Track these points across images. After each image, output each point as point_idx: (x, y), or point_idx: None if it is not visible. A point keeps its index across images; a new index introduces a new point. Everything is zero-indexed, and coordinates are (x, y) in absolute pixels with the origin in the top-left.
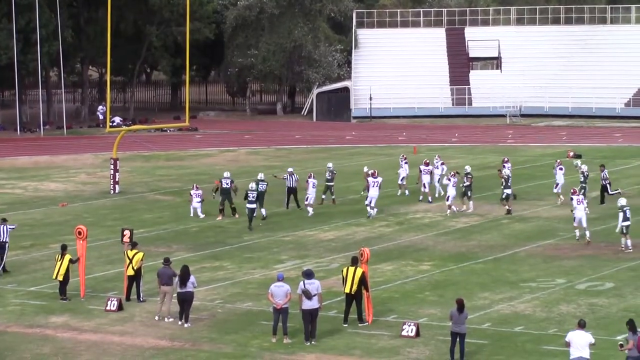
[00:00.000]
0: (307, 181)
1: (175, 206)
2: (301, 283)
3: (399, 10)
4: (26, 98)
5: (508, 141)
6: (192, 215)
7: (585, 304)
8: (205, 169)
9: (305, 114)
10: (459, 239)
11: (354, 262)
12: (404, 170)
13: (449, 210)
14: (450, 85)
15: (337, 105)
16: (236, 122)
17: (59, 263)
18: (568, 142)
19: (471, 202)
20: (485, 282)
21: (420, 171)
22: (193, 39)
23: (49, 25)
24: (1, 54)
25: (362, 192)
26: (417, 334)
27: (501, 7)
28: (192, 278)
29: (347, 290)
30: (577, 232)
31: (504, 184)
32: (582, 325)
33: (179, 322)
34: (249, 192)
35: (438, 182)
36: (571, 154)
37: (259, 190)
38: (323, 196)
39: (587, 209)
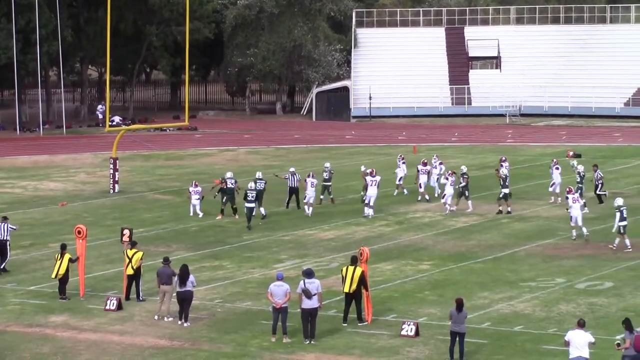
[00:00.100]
0: (306, 180)
1: (174, 205)
2: (301, 282)
3: (398, 9)
4: (26, 98)
5: (508, 141)
6: (191, 214)
7: (584, 303)
8: (205, 168)
9: (304, 113)
10: (459, 239)
11: (354, 261)
12: (401, 171)
13: (448, 209)
14: (450, 84)
15: (337, 104)
16: (236, 122)
17: (58, 262)
18: (568, 142)
19: (470, 202)
20: (484, 281)
21: (418, 171)
22: (193, 39)
23: (48, 25)
24: (1, 54)
25: (362, 192)
26: (417, 333)
27: (501, 7)
28: (191, 277)
29: (346, 289)
30: (574, 232)
31: (502, 183)
32: (581, 324)
33: (179, 322)
34: (248, 191)
35: (437, 181)
36: (571, 153)
37: (258, 189)
38: (321, 196)
39: (585, 208)
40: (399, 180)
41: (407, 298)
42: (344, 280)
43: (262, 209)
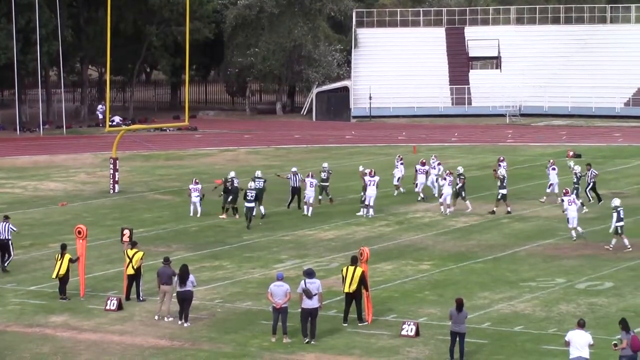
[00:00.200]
0: (305, 180)
1: (174, 206)
2: (302, 282)
3: (398, 9)
4: (26, 98)
5: (508, 141)
6: (191, 214)
7: (584, 303)
8: (205, 168)
9: (304, 113)
10: (459, 239)
11: (354, 261)
12: (399, 171)
13: (448, 209)
14: (450, 84)
15: (337, 104)
16: (236, 122)
17: (58, 262)
18: (568, 142)
19: (468, 202)
20: (485, 281)
21: (417, 171)
22: (193, 39)
23: (48, 25)
24: (1, 54)
25: (362, 193)
26: (417, 333)
27: (501, 7)
28: (191, 277)
29: (346, 289)
30: (573, 233)
31: (499, 183)
32: (581, 324)
33: (179, 322)
34: (247, 191)
35: (436, 181)
36: (571, 153)
37: (257, 187)
38: (320, 197)
39: (584, 208)
40: (397, 181)
41: (407, 298)
42: (344, 280)
43: (261, 208)
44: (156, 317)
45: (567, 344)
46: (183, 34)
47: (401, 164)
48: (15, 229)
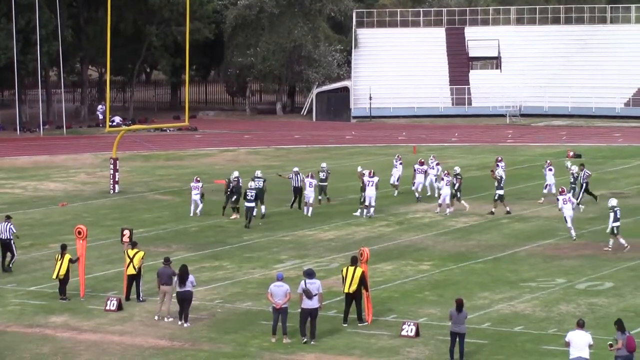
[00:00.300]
0: (304, 181)
1: (174, 206)
2: (302, 282)
3: (398, 10)
4: (26, 98)
5: (508, 141)
6: (191, 214)
7: (584, 303)
8: (205, 168)
9: (304, 113)
10: (459, 239)
11: (354, 261)
12: (397, 171)
13: (448, 209)
14: (450, 85)
15: (337, 105)
16: (236, 122)
17: (58, 263)
18: (568, 142)
19: (463, 202)
20: (485, 281)
21: (415, 170)
22: (193, 39)
23: (48, 25)
24: (1, 54)
25: (361, 194)
26: (417, 333)
27: (501, 7)
28: (191, 277)
29: (346, 290)
30: (573, 232)
31: (497, 184)
32: (581, 325)
33: (179, 322)
34: (247, 190)
35: (435, 181)
36: (571, 153)
37: (257, 187)
38: (319, 197)
39: (581, 207)
40: (397, 181)
41: (407, 298)
42: (344, 280)
43: (263, 208)
44: (156, 318)
45: (567, 344)
46: (183, 34)
47: (400, 163)
48: (14, 230)
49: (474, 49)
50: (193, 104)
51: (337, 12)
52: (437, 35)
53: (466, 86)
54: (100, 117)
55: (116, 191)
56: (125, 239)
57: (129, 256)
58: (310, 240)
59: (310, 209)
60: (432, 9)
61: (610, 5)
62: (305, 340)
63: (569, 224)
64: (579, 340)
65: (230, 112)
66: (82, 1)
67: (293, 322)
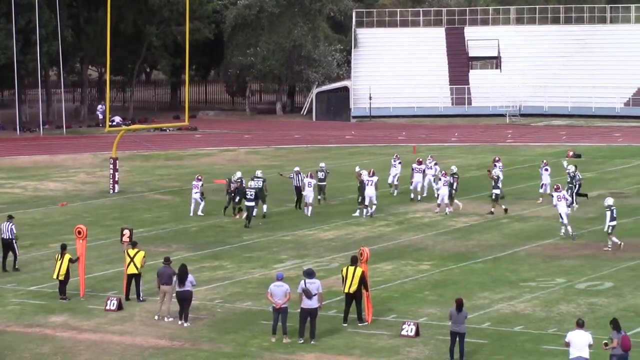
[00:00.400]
0: (303, 180)
1: (174, 206)
2: (302, 282)
3: (398, 9)
4: (26, 98)
5: (507, 141)
6: (191, 214)
7: (584, 303)
8: (205, 168)
9: (304, 113)
10: (459, 239)
11: (354, 261)
12: (395, 170)
13: (447, 209)
14: (450, 84)
15: (337, 104)
16: (236, 122)
17: (58, 262)
18: (568, 142)
19: (457, 200)
20: (484, 281)
21: (413, 169)
22: (193, 39)
23: (48, 25)
24: (1, 54)
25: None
26: (417, 333)
27: (501, 7)
28: (190, 277)
29: (346, 289)
30: (570, 230)
31: (493, 183)
32: (580, 324)
33: (179, 322)
34: (247, 190)
35: (434, 182)
36: (571, 153)
37: (256, 187)
38: (319, 197)
39: (575, 205)
40: (396, 180)
41: (407, 298)
42: (344, 280)
43: (264, 207)
44: (156, 317)
45: (567, 344)
46: (183, 34)
47: (399, 163)
48: (14, 231)
49: (474, 49)
50: (193, 104)
51: (337, 12)
52: (437, 35)
53: (466, 86)
54: (100, 116)
55: (116, 191)
56: (125, 238)
57: (129, 256)
58: (310, 240)
59: (310, 208)
60: (431, 9)
61: (610, 5)
62: (302, 341)
63: (565, 221)
64: (579, 340)
65: (230, 112)
66: (82, 1)
67: (293, 321)
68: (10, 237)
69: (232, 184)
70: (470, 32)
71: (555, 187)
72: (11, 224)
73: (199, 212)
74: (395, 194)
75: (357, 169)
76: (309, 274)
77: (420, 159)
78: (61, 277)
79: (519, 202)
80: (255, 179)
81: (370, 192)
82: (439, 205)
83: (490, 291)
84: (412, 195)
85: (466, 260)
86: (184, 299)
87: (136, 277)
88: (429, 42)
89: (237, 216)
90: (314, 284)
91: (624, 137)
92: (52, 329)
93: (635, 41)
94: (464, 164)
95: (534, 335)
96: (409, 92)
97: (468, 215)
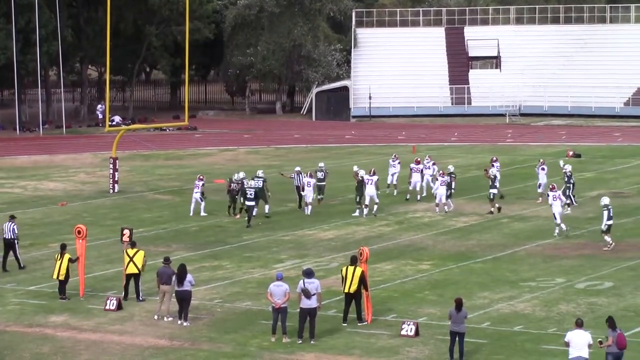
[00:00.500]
0: (303, 180)
1: (174, 205)
2: (301, 282)
3: (398, 9)
4: (25, 97)
5: (507, 140)
6: (191, 214)
7: (584, 303)
8: (205, 168)
9: (304, 113)
10: (459, 238)
11: (354, 261)
12: (394, 170)
13: (446, 208)
14: (450, 84)
15: (337, 104)
16: (235, 122)
17: (58, 262)
18: (567, 142)
19: (450, 200)
20: (484, 281)
21: (411, 169)
22: (192, 39)
23: (48, 25)
24: (0, 54)
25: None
26: (417, 333)
27: (500, 7)
28: (189, 277)
29: (346, 289)
30: (558, 230)
31: (490, 183)
32: (579, 324)
33: (178, 322)
34: (247, 189)
35: (432, 182)
36: (570, 153)
37: (256, 186)
38: (319, 197)
39: (569, 208)
40: (396, 180)
41: (407, 298)
42: (343, 280)
43: (266, 207)
44: (156, 317)
45: (567, 344)
46: (183, 34)
47: (398, 163)
48: (16, 231)
49: (474, 49)
50: (193, 104)
51: (337, 12)
52: (437, 35)
53: (466, 86)
54: (100, 116)
55: (116, 191)
56: (125, 238)
57: (128, 255)
58: (310, 239)
59: (310, 207)
60: (431, 9)
61: (609, 5)
62: (301, 341)
63: (558, 220)
64: (579, 340)
65: (229, 112)
66: (82, 1)
67: (293, 321)
68: (12, 237)
69: (232, 184)
70: (470, 32)
71: (550, 186)
72: (13, 224)
73: (202, 213)
74: (395, 193)
75: (355, 168)
76: (308, 273)
77: (418, 159)
78: (61, 277)
79: (518, 202)
80: (255, 179)
81: (370, 191)
82: (437, 205)
83: (490, 291)
84: (407, 196)
85: (466, 260)
86: (183, 299)
87: (135, 276)
88: (428, 42)
89: (238, 216)
90: (312, 284)
91: (624, 136)
92: (52, 328)
93: (635, 41)
94: (464, 163)
95: (533, 335)
96: (408, 92)
97: (468, 215)
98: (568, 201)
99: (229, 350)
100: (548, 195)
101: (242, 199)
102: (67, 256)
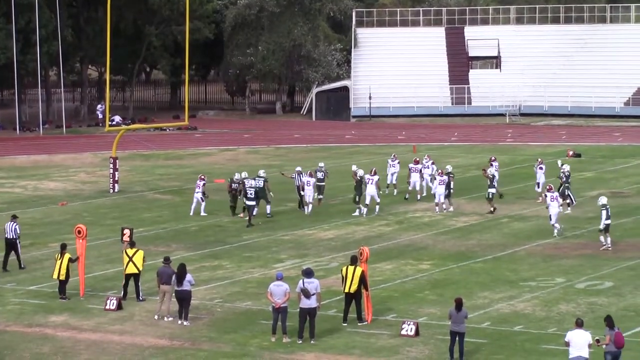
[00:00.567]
0: (303, 179)
1: (174, 205)
2: (300, 282)
3: (398, 9)
4: (25, 97)
5: (507, 140)
6: (192, 213)
7: (584, 303)
8: (205, 168)
9: (304, 113)
10: (459, 238)
11: (354, 261)
12: (394, 169)
13: (444, 207)
14: (450, 84)
15: (337, 104)
16: (235, 121)
17: (58, 262)
18: (567, 142)
19: (447, 200)
20: (484, 281)
21: (410, 169)
22: (193, 39)
23: (48, 25)
24: (0, 54)
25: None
26: (417, 333)
27: (501, 7)
28: (189, 276)
29: (346, 289)
30: (558, 226)
31: (489, 183)
32: (579, 324)
33: (178, 321)
34: (247, 188)
35: (431, 182)
36: (570, 153)
37: (256, 186)
38: (319, 197)
39: (569, 205)
40: (395, 180)
41: (407, 298)
42: (343, 280)
43: (268, 207)
44: (156, 317)
45: (567, 344)
46: (183, 34)
47: (397, 163)
48: (18, 231)
49: (474, 49)
50: (193, 104)
51: (337, 12)
52: (437, 35)
53: (466, 86)
54: (100, 116)
55: (116, 190)
56: (126, 238)
57: (128, 255)
58: (310, 239)
59: (310, 207)
60: (431, 9)
61: (610, 5)
62: (301, 341)
63: (553, 221)
64: (579, 340)
65: (230, 112)
66: (82, 1)
67: (293, 321)
68: (14, 237)
69: (233, 184)
70: (470, 32)
71: (547, 187)
72: (15, 224)
73: (202, 212)
74: (395, 193)
75: (353, 167)
76: (308, 273)
77: (417, 159)
78: (61, 277)
79: (518, 202)
80: (256, 179)
81: (371, 190)
82: (437, 204)
83: (490, 291)
84: (407, 195)
85: (466, 260)
86: (183, 299)
87: (135, 276)
88: (429, 42)
89: (242, 214)
90: (312, 284)
91: (624, 136)
92: (52, 328)
93: (635, 41)
94: (464, 163)
95: (533, 335)
96: (408, 91)
97: (468, 215)
98: (568, 200)
99: (229, 350)
100: (546, 196)
101: (244, 198)
102: (67, 256)
